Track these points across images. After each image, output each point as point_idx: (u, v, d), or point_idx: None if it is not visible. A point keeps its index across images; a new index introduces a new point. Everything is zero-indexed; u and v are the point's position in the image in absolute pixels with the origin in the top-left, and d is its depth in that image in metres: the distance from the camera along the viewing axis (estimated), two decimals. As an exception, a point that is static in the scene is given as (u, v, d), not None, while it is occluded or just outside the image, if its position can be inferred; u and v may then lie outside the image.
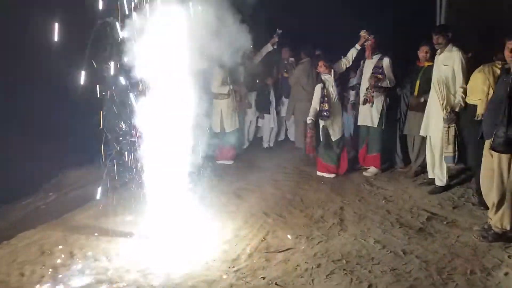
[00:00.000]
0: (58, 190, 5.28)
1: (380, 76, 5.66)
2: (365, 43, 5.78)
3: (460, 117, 4.82)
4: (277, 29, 6.75)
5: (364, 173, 5.95)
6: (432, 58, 5.22)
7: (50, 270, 3.48)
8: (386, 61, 5.69)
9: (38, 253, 3.76)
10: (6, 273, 3.45)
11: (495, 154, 3.73)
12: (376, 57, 5.74)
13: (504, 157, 3.69)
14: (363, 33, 5.79)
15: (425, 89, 5.28)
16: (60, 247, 3.86)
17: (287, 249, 3.85)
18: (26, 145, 4.99)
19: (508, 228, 3.82)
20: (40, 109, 5.20)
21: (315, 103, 5.72)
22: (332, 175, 5.88)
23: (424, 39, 5.32)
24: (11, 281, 3.34)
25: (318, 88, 5.74)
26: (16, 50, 4.97)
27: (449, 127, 4.74)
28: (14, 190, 4.88)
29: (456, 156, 4.75)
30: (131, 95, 4.06)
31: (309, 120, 5.70)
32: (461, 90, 4.80)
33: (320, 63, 5.76)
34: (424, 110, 5.25)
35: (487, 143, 3.83)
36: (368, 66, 5.82)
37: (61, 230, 4.23)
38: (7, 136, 4.83)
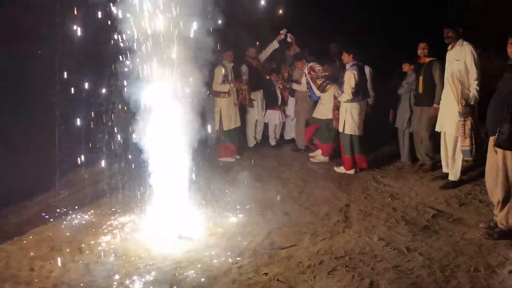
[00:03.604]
0: (69, 188, 5.40)
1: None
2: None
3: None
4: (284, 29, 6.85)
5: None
6: (430, 54, 5.30)
7: (59, 265, 3.58)
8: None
9: (48, 249, 3.86)
10: (17, 267, 3.57)
11: (500, 150, 3.70)
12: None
13: (509, 154, 3.66)
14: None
15: (428, 84, 5.40)
16: (69, 243, 3.96)
17: (290, 246, 3.89)
18: (39, 144, 5.14)
19: (514, 225, 3.79)
20: (53, 110, 5.35)
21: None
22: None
23: (421, 36, 5.51)
24: (22, 276, 3.44)
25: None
26: (34, 51, 5.09)
27: (465, 120, 4.66)
28: (27, 188, 5.01)
29: (474, 150, 4.64)
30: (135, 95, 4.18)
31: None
32: (475, 83, 4.79)
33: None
34: (430, 104, 5.34)
35: (491, 140, 3.80)
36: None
37: (71, 227, 4.34)
38: (22, 136, 4.97)
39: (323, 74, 6.31)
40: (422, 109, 5.63)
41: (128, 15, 4.02)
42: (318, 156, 6.56)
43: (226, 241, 4.02)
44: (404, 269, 3.44)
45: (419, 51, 5.60)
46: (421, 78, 5.60)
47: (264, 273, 3.43)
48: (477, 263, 3.49)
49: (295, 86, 6.86)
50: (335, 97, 6.15)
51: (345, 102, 5.81)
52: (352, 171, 5.90)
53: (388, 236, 4.03)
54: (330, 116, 6.24)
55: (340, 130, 5.90)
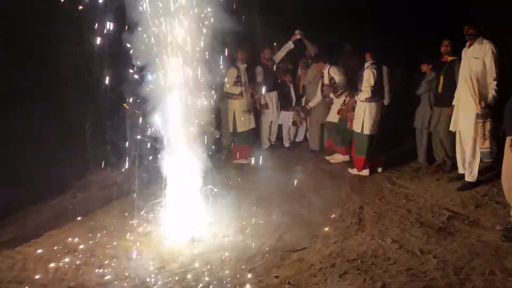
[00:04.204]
0: (84, 190, 5.49)
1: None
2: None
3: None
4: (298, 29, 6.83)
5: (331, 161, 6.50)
6: (453, 52, 5.16)
7: (73, 268, 3.64)
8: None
9: (63, 251, 3.93)
10: (33, 270, 3.65)
11: (516, 151, 3.62)
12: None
13: (526, 155, 3.57)
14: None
15: (449, 84, 5.25)
16: (83, 246, 4.02)
17: (302, 248, 3.87)
18: (55, 147, 5.23)
19: (531, 227, 3.70)
20: (69, 113, 5.46)
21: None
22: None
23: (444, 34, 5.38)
24: (38, 278, 3.52)
25: None
26: (50, 55, 5.19)
27: (484, 122, 4.59)
28: (44, 191, 5.12)
29: (494, 152, 4.61)
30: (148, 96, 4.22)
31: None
32: (495, 83, 4.67)
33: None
34: (449, 104, 5.23)
35: (508, 140, 3.71)
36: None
37: (86, 229, 4.40)
38: (38, 139, 5.07)
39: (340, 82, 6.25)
40: (442, 109, 5.49)
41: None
42: (337, 156, 6.47)
43: (238, 243, 4.03)
44: (417, 272, 3.38)
45: (442, 49, 5.45)
46: (442, 77, 5.45)
47: (275, 276, 3.43)
48: (492, 266, 3.40)
49: (311, 103, 6.72)
50: (350, 98, 6.08)
51: (362, 101, 5.75)
52: (366, 172, 5.84)
53: (401, 238, 3.97)
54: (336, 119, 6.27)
55: (358, 130, 5.82)
